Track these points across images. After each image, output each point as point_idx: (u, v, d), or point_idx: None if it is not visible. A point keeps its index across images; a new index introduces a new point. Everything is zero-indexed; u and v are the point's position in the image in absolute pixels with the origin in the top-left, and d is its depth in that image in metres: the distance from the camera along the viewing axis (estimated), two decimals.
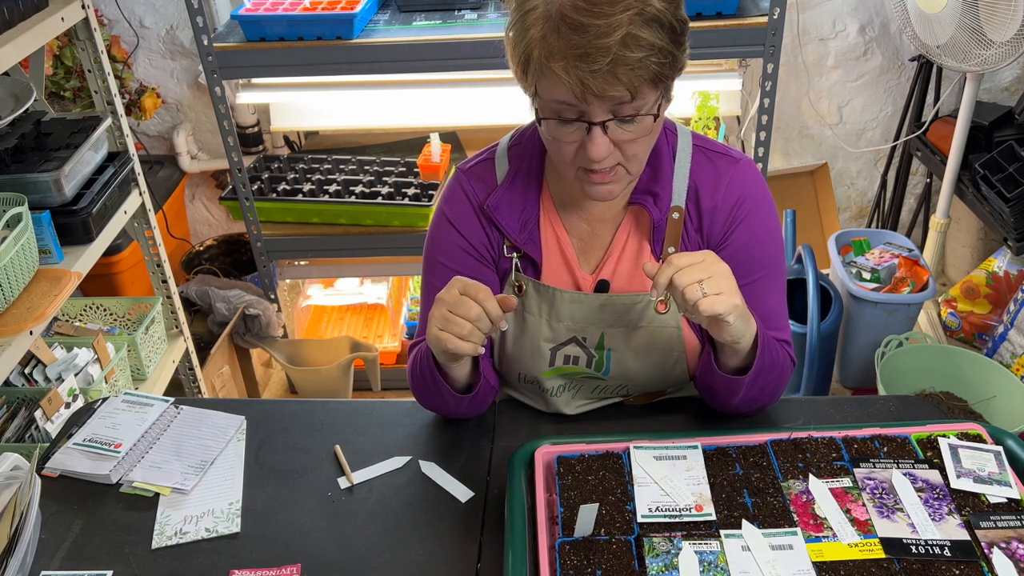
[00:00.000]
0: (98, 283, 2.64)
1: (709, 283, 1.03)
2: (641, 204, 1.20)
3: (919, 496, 1.04)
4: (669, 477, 1.07)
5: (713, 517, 1.02)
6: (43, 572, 1.09)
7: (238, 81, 2.65)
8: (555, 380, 1.28)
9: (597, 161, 1.06)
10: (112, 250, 2.57)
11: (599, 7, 0.97)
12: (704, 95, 2.66)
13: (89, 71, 2.10)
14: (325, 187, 2.58)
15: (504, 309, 1.08)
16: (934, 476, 1.07)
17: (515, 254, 1.25)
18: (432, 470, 1.22)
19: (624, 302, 1.22)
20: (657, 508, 1.03)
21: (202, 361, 2.59)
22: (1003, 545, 0.98)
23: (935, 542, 0.98)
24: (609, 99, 1.01)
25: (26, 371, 1.98)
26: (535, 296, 1.24)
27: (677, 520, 1.02)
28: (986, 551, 0.97)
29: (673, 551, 0.98)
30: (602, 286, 1.24)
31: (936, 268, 2.78)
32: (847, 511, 1.02)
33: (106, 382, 2.05)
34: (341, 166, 2.70)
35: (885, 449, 1.11)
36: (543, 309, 1.24)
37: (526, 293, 1.25)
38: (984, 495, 1.04)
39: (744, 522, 1.01)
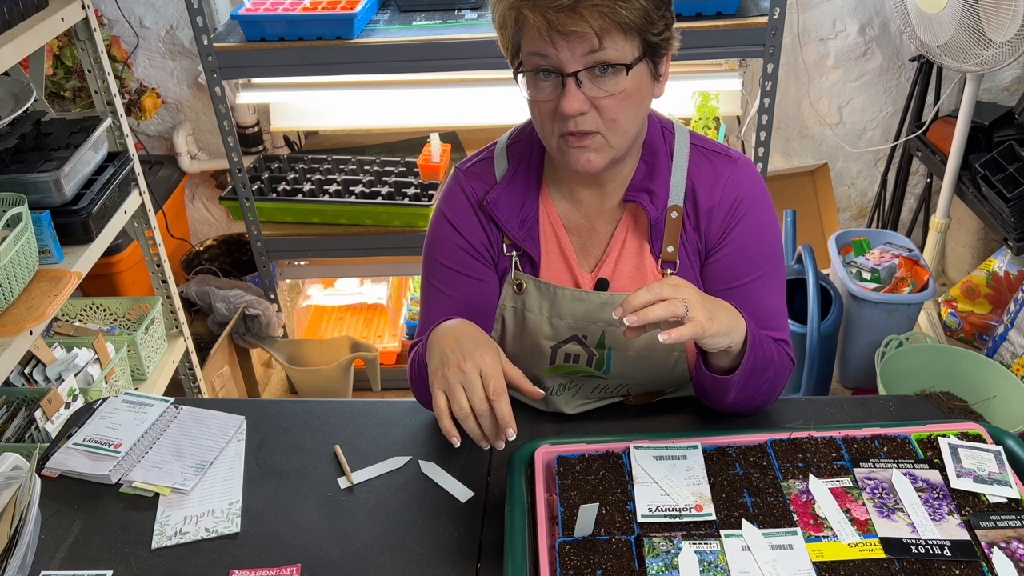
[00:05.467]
0: (98, 283, 2.64)
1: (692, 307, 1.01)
2: (637, 202, 1.20)
3: (919, 496, 1.04)
4: (669, 477, 1.07)
5: (713, 517, 1.02)
6: (43, 572, 1.09)
7: (238, 81, 2.65)
8: (555, 379, 1.28)
9: (570, 115, 1.07)
10: (112, 250, 2.57)
11: None
12: (704, 95, 2.66)
13: (89, 71, 2.10)
14: (325, 187, 2.58)
15: (531, 396, 1.09)
16: (934, 476, 1.07)
17: (514, 252, 1.25)
18: (432, 470, 1.22)
19: None
20: (657, 508, 1.03)
21: (202, 361, 2.59)
22: (1003, 545, 0.98)
23: (935, 542, 0.98)
24: (578, 43, 1.03)
25: (26, 371, 1.98)
26: (536, 294, 1.24)
27: (677, 520, 1.02)
28: (986, 551, 0.97)
29: (673, 551, 0.98)
30: (601, 284, 1.24)
31: (936, 268, 2.78)
32: (847, 511, 1.02)
33: (106, 382, 2.05)
34: (341, 166, 2.70)
35: (885, 449, 1.11)
36: (544, 307, 1.24)
37: (526, 291, 1.25)
38: (984, 495, 1.04)
39: (744, 522, 1.01)
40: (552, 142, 1.13)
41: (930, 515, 1.01)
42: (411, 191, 2.52)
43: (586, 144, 1.10)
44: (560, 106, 1.07)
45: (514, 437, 1.03)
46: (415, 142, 2.91)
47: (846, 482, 1.06)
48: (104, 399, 1.38)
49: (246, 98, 2.73)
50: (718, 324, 1.04)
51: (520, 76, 1.11)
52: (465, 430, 1.04)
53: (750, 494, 1.05)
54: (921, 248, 2.90)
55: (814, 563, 0.96)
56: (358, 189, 2.55)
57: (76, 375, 1.99)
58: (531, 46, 1.06)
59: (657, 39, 1.08)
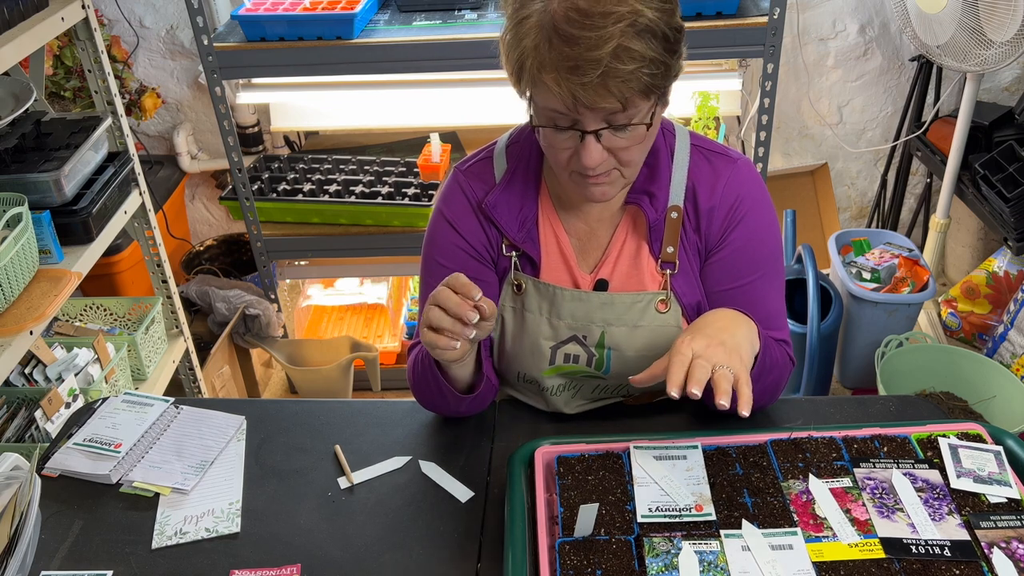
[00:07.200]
0: (98, 283, 2.64)
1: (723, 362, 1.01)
2: (637, 204, 1.20)
3: (919, 496, 1.04)
4: (669, 477, 1.07)
5: (713, 517, 1.02)
6: (43, 572, 1.09)
7: (238, 81, 2.65)
8: (555, 379, 1.28)
9: (591, 168, 1.07)
10: (112, 250, 2.57)
11: (592, 19, 0.97)
12: (704, 95, 2.66)
13: (89, 71, 2.10)
14: (325, 187, 2.58)
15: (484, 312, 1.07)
16: (934, 476, 1.07)
17: (514, 253, 1.25)
18: (432, 470, 1.22)
19: (625, 301, 1.22)
20: (657, 508, 1.03)
21: (202, 361, 2.59)
22: (1003, 545, 0.98)
23: (935, 542, 0.98)
24: (601, 110, 1.02)
25: (26, 371, 1.98)
26: (535, 294, 1.24)
27: (677, 520, 1.01)
28: (986, 551, 0.97)
29: (673, 551, 0.98)
30: (601, 285, 1.24)
31: (936, 268, 2.78)
32: (847, 511, 1.02)
33: (106, 382, 2.05)
34: (341, 166, 2.70)
35: (885, 449, 1.11)
36: (543, 307, 1.24)
37: (526, 291, 1.25)
38: (984, 495, 1.04)
39: (744, 522, 1.01)
40: (564, 176, 1.14)
41: (930, 515, 1.01)
42: (411, 191, 2.52)
43: (602, 182, 1.11)
44: (581, 160, 1.06)
45: (479, 297, 1.03)
46: (415, 142, 2.91)
47: (846, 482, 1.06)
48: (104, 399, 1.38)
49: (246, 98, 2.73)
50: (748, 356, 1.05)
51: (531, 111, 1.09)
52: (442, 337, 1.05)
53: (750, 494, 1.05)
54: (921, 248, 2.90)
55: (814, 563, 0.96)
56: (358, 189, 2.55)
57: (76, 375, 1.99)
58: (550, 104, 1.04)
59: (671, 82, 1.07)
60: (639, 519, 1.02)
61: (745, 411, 0.98)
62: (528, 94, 1.08)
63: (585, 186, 1.12)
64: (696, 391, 0.97)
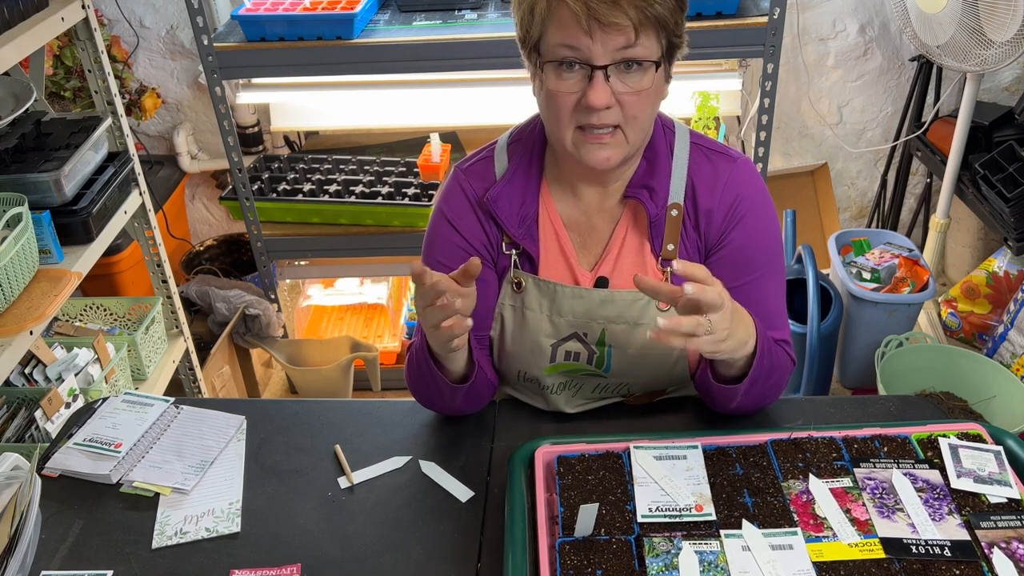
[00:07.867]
0: (98, 283, 2.64)
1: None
2: (637, 198, 1.20)
3: (919, 496, 1.04)
4: (669, 477, 1.07)
5: (713, 517, 1.02)
6: (43, 572, 1.09)
7: (238, 81, 2.65)
8: (555, 377, 1.28)
9: (596, 109, 1.07)
10: (112, 250, 2.57)
11: None
12: (704, 95, 2.66)
13: (89, 71, 2.10)
14: (325, 187, 2.58)
15: (468, 273, 1.06)
16: (934, 476, 1.07)
17: (514, 251, 1.25)
18: (432, 470, 1.22)
19: (625, 298, 1.22)
20: (657, 508, 1.03)
21: (202, 361, 2.59)
22: (1003, 545, 0.98)
23: (935, 542, 0.98)
24: (613, 34, 1.04)
25: (26, 371, 1.98)
26: (535, 292, 1.24)
27: (677, 520, 1.02)
28: (986, 551, 0.97)
29: (673, 551, 0.98)
30: (601, 282, 1.24)
31: (936, 268, 2.78)
32: (847, 511, 1.02)
33: (106, 382, 2.05)
34: (341, 166, 2.70)
35: (885, 449, 1.11)
36: (544, 305, 1.24)
37: (526, 289, 1.25)
38: (984, 495, 1.04)
39: (744, 522, 1.01)
40: (567, 136, 1.13)
41: (930, 515, 1.01)
42: (411, 191, 2.52)
43: (605, 141, 1.11)
44: (588, 98, 1.07)
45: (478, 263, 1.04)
46: (415, 142, 2.91)
47: (846, 482, 1.06)
48: (104, 399, 1.38)
49: (246, 98, 2.73)
50: (731, 342, 1.05)
51: (539, 66, 1.11)
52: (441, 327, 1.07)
53: (750, 494, 1.05)
54: (921, 248, 2.90)
55: (814, 563, 0.96)
56: (358, 189, 2.55)
57: (76, 375, 1.99)
58: (561, 37, 1.06)
59: (677, 40, 1.11)
60: (639, 519, 1.02)
61: (678, 342, 0.98)
62: (536, 41, 1.10)
63: (587, 148, 1.12)
64: (680, 339, 0.98)
